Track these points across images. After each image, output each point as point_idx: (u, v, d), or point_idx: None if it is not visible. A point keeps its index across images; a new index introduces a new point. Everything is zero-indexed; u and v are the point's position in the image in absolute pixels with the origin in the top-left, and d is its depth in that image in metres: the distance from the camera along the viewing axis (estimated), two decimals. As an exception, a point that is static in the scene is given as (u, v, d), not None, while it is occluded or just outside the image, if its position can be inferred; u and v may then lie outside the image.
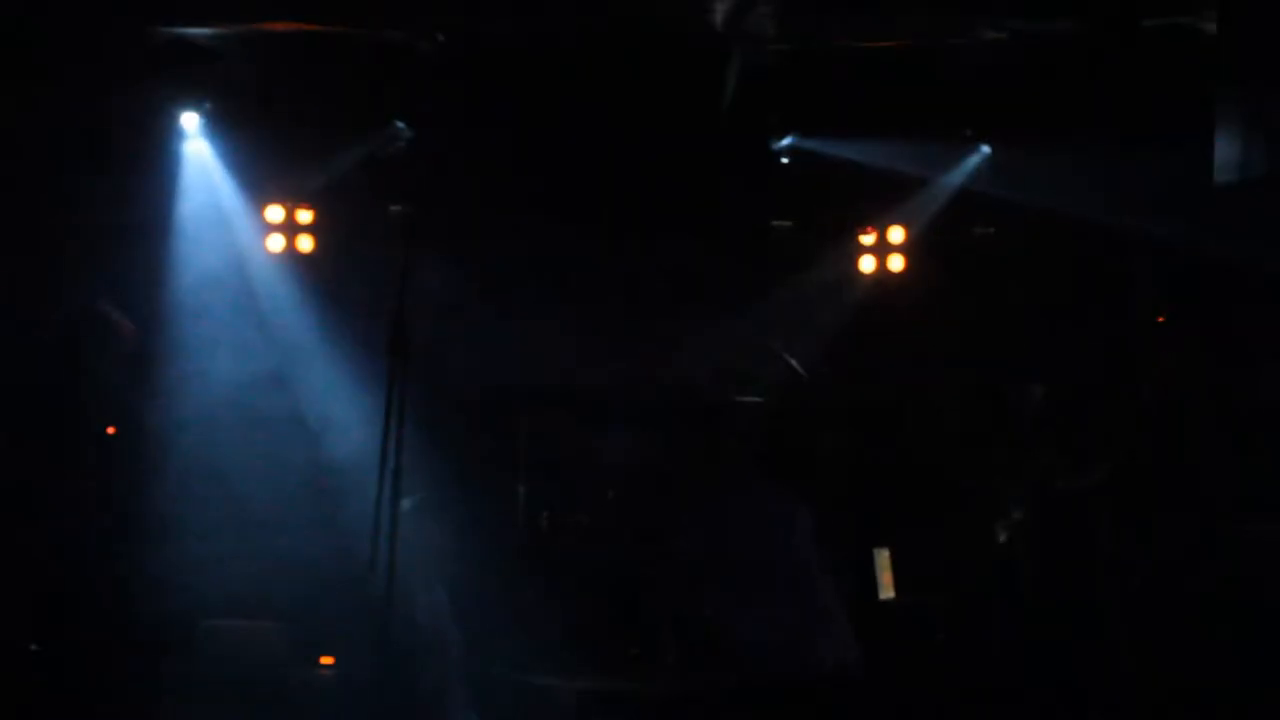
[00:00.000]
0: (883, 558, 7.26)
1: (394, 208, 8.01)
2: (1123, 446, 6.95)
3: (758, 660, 4.80)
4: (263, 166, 7.84)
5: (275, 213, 8.07)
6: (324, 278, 7.97)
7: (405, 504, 4.70)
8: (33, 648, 4.11)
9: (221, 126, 7.64)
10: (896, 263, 8.34)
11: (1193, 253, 7.09)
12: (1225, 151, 5.55)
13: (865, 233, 8.44)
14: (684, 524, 5.18)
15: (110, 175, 7.58)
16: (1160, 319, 7.66)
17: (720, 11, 6.83)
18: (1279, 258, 6.34)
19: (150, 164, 7.67)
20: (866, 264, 8.46)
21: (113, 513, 6.92)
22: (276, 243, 8.07)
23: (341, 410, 7.75)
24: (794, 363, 8.18)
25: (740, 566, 4.95)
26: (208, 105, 7.55)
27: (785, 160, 8.43)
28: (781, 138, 8.34)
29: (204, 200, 7.84)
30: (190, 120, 7.67)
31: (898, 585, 7.76)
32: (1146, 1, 6.04)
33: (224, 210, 7.92)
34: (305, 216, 8.11)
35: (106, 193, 7.62)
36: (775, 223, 8.60)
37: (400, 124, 7.94)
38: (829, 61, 7.40)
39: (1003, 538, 6.66)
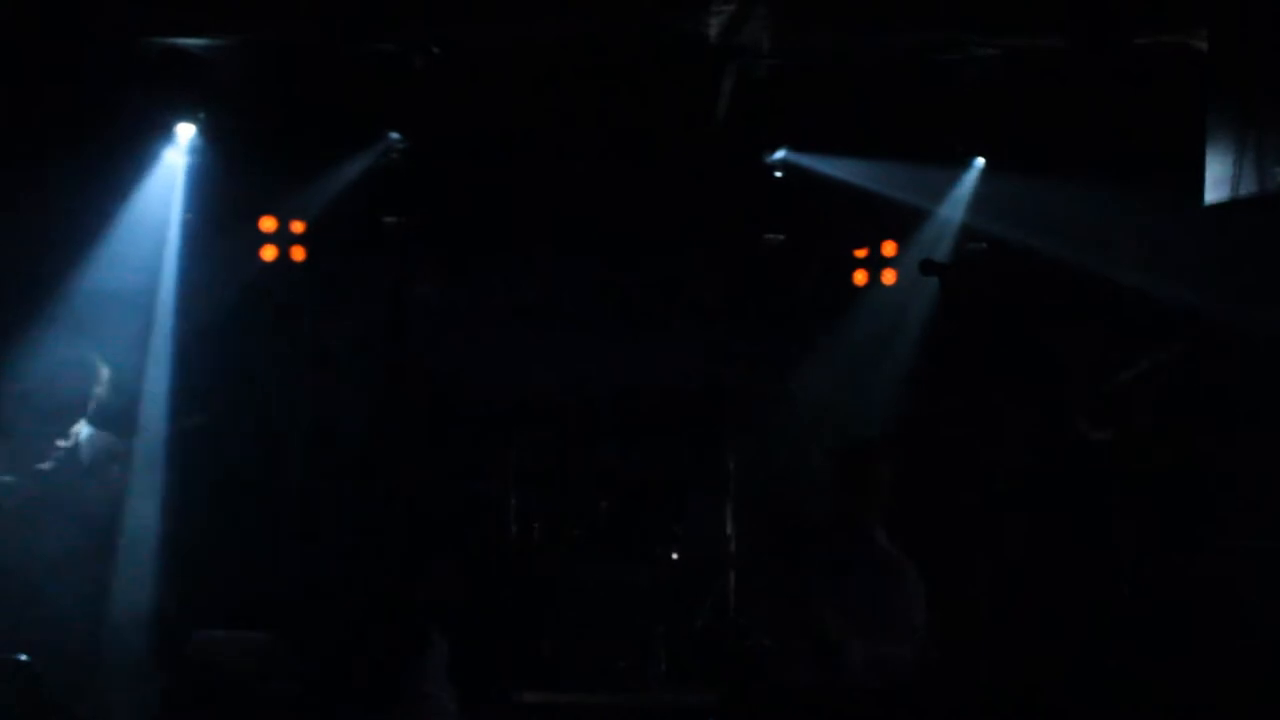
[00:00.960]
0: None
1: (388, 219, 8.03)
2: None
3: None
4: (257, 177, 7.84)
5: (269, 223, 8.08)
6: (317, 289, 7.97)
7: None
8: (21, 658, 4.09)
9: (216, 137, 7.64)
10: (889, 277, 8.39)
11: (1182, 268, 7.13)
12: (1215, 170, 5.57)
13: (858, 247, 8.48)
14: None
15: (105, 184, 7.61)
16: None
17: (715, 25, 6.84)
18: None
19: (144, 173, 7.68)
20: (859, 278, 8.50)
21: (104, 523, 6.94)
22: (270, 253, 8.07)
23: (335, 420, 7.78)
24: (791, 385, 8.20)
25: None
26: (202, 116, 7.55)
27: (778, 174, 8.46)
28: (774, 152, 8.37)
29: (197, 210, 7.85)
30: (185, 131, 7.67)
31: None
32: (1138, 19, 6.06)
33: (217, 221, 7.93)
34: (299, 227, 8.12)
35: (100, 202, 7.65)
36: (768, 236, 8.62)
37: (394, 135, 7.95)
38: (823, 77, 7.41)
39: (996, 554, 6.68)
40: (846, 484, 5.28)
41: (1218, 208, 5.64)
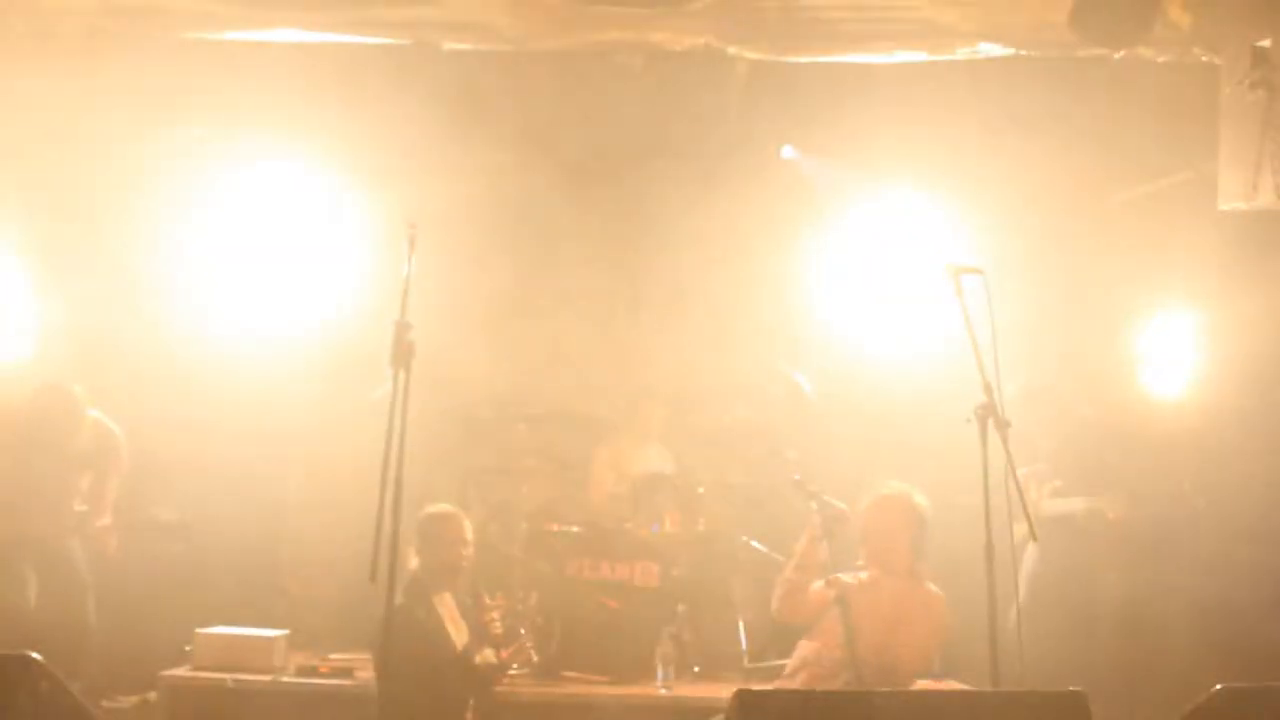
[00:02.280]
0: None
1: (398, 218, 7.99)
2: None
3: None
4: (268, 176, 7.84)
5: (279, 223, 8.06)
6: (328, 288, 7.95)
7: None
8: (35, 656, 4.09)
9: (229, 136, 7.62)
10: (901, 278, 8.35)
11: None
12: (1230, 178, 5.56)
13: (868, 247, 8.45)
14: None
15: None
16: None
17: (722, 24, 6.82)
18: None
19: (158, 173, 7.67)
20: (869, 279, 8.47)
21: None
22: (280, 252, 8.06)
23: (344, 419, 7.78)
24: (799, 379, 8.18)
25: None
26: (212, 115, 7.53)
27: (787, 170, 8.44)
28: (783, 149, 8.36)
29: (208, 209, 7.84)
30: (200, 129, 7.66)
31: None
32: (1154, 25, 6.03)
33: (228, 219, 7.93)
34: (310, 227, 8.10)
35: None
36: (777, 235, 8.61)
37: (403, 134, 7.93)
38: (830, 74, 7.39)
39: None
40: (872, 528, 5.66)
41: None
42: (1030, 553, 6.96)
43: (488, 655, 5.74)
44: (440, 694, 5.28)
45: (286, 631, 6.71)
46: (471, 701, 5.47)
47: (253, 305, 7.87)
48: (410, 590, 5.69)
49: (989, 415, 4.77)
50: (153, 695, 6.46)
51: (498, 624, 5.96)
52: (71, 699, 4.08)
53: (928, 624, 5.53)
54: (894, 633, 5.44)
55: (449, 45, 6.98)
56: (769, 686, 5.75)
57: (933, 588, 5.62)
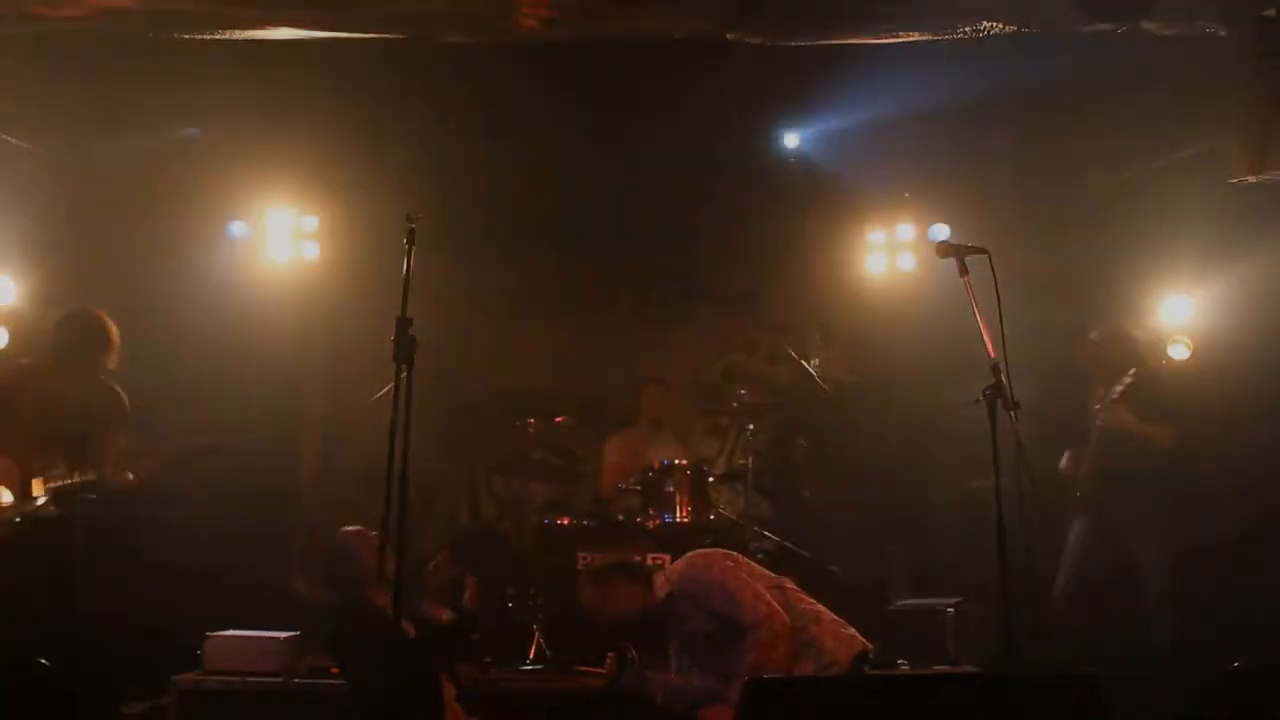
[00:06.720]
0: None
1: (399, 214, 7.97)
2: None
3: None
4: (269, 174, 7.81)
5: (282, 220, 8.04)
6: (330, 285, 7.92)
7: None
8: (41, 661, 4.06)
9: (228, 134, 7.60)
10: (906, 262, 8.31)
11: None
12: (1240, 151, 5.50)
13: (874, 231, 8.41)
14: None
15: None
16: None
17: (721, 10, 6.77)
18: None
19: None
20: (876, 263, 8.42)
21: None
22: (282, 250, 8.03)
23: (349, 416, 7.75)
24: (807, 365, 8.12)
25: None
26: (213, 114, 7.51)
27: (791, 159, 8.39)
28: (787, 136, 8.31)
29: (210, 207, 7.82)
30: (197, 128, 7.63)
31: (912, 585, 7.74)
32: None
33: (231, 217, 7.91)
34: (311, 224, 8.07)
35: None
36: (784, 222, 8.57)
37: (403, 131, 7.90)
38: (832, 59, 7.33)
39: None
40: None
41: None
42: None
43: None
44: (403, 677, 5.22)
45: (298, 632, 6.67)
46: (450, 685, 5.42)
47: (256, 304, 7.84)
48: (344, 588, 5.70)
49: (998, 396, 4.71)
50: (165, 699, 6.43)
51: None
52: (76, 704, 4.05)
53: None
54: None
55: (446, 39, 6.94)
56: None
57: None
